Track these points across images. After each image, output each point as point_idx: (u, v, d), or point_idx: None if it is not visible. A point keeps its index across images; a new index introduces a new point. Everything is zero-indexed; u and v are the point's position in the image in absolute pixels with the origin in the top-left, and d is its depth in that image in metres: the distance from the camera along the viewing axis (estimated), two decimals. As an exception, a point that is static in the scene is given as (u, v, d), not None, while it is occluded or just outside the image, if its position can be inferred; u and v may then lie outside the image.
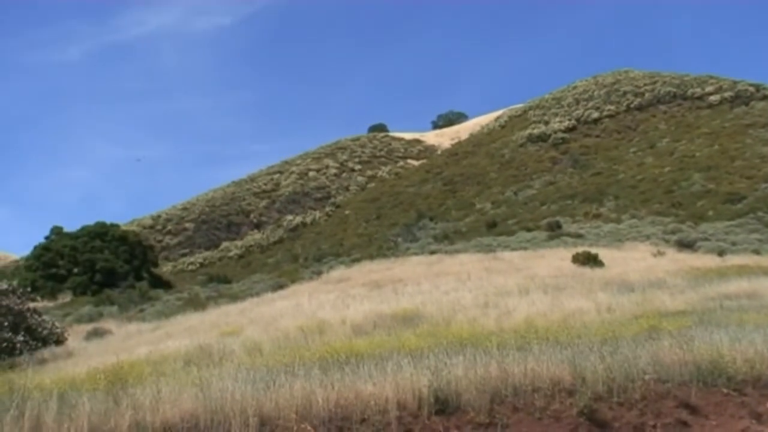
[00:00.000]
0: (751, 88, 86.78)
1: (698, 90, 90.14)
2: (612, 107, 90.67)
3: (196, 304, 37.48)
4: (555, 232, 49.60)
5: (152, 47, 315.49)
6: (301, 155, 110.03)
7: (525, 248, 44.20)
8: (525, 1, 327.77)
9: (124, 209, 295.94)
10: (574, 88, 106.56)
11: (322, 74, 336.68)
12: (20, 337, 22.54)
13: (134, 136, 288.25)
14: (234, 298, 38.28)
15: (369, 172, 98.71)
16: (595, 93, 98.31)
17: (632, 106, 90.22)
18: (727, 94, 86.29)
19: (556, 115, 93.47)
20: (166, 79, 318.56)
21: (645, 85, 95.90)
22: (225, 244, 78.91)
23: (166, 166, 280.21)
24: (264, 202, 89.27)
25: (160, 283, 58.97)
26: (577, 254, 33.51)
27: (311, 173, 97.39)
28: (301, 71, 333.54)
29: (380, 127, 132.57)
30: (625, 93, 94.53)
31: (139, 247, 62.04)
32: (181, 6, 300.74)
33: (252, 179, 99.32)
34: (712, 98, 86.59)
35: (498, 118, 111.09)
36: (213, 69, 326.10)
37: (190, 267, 73.07)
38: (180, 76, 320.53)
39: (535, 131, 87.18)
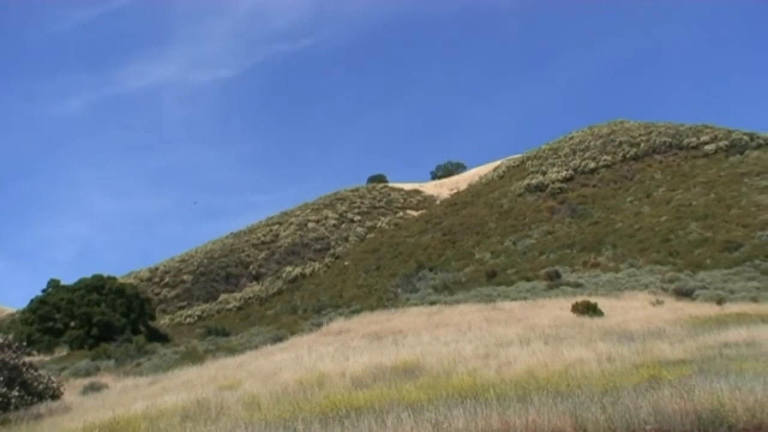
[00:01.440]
0: (746, 137, 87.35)
1: (693, 139, 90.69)
2: (608, 157, 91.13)
3: (194, 357, 37.33)
4: (554, 281, 49.60)
5: (153, 100, 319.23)
6: (301, 206, 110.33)
7: (525, 298, 44.14)
8: (522, 53, 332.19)
9: (122, 262, 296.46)
10: (571, 138, 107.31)
11: (321, 126, 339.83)
12: (15, 392, 22.28)
13: (134, 189, 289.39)
14: (232, 351, 38.13)
15: (368, 223, 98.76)
16: (592, 143, 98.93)
17: (628, 156, 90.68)
18: (722, 143, 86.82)
19: (554, 165, 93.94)
20: (166, 132, 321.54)
21: (640, 135, 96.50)
22: (223, 296, 78.56)
23: (166, 219, 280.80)
24: (263, 254, 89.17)
25: (158, 337, 58.66)
26: (577, 304, 33.46)
27: (310, 224, 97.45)
28: (301, 122, 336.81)
29: (379, 178, 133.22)
30: (620, 143, 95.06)
31: (137, 300, 61.73)
32: (182, 59, 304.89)
33: (251, 231, 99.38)
34: (708, 147, 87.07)
35: (496, 168, 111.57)
36: (214, 121, 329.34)
37: (188, 320, 72.66)
38: (181, 128, 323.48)
39: (533, 181, 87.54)
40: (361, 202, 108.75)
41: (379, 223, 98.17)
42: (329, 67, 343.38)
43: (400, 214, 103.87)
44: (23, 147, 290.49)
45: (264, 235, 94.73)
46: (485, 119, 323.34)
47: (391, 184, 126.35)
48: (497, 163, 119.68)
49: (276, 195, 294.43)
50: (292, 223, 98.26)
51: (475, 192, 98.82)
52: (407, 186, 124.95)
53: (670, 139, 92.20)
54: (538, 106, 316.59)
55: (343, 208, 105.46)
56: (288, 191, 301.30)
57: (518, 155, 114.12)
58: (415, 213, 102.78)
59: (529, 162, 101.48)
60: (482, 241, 73.20)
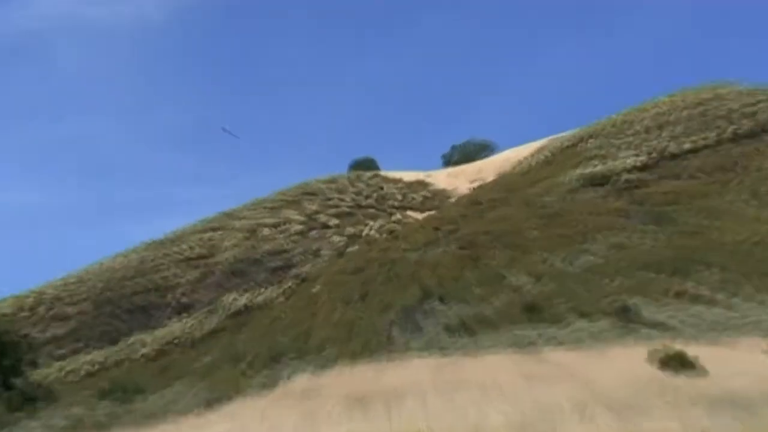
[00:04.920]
0: None
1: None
2: (706, 136, 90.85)
3: (90, 427, 37.17)
4: (626, 319, 49.38)
5: (41, 47, 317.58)
6: (251, 204, 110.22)
7: (581, 344, 44.07)
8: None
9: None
10: (650, 108, 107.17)
11: (283, 90, 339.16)
12: None
13: (6, 171, 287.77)
14: (146, 417, 38.18)
15: (350, 229, 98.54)
16: (681, 114, 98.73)
17: (739, 132, 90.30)
18: None
19: (624, 147, 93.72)
20: (57, 92, 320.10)
21: (748, 105, 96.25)
22: (133, 337, 78.17)
23: (51, 218, 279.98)
24: (193, 274, 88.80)
25: (36, 395, 58.40)
26: (660, 353, 33.38)
27: (265, 230, 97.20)
28: (254, 86, 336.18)
29: (367, 163, 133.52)
30: (722, 116, 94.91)
31: (7, 341, 61.57)
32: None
33: (176, 240, 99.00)
34: None
35: (539, 150, 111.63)
36: (127, 79, 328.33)
37: (82, 371, 72.36)
38: (79, 88, 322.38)
39: (594, 170, 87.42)
40: (340, 199, 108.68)
41: (366, 230, 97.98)
42: (296, 9, 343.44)
43: (397, 216, 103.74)
44: None
45: (195, 247, 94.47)
46: (523, 80, 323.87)
47: (384, 173, 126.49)
48: (540, 143, 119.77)
49: (214, 187, 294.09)
50: (236, 229, 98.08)
51: (508, 185, 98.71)
52: (408, 175, 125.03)
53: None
54: (605, 62, 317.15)
55: (314, 207, 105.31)
56: (232, 182, 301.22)
57: (571, 132, 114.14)
58: (419, 215, 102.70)
59: (588, 142, 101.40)
60: (518, 258, 72.90)
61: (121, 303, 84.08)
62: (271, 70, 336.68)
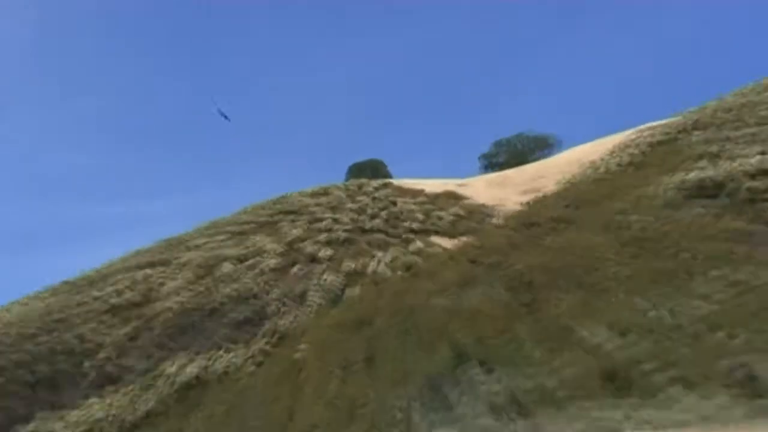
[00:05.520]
0: None
1: None
2: None
3: None
4: (753, 392, 48.44)
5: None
6: (206, 228, 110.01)
7: (688, 428, 43.34)
8: None
9: None
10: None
11: (255, 65, 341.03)
12: None
13: None
14: None
15: (349, 264, 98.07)
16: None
17: None
18: None
19: (743, 141, 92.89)
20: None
21: None
22: (36, 422, 77.61)
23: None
24: (124, 330, 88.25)
25: None
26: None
27: (226, 266, 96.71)
28: (220, 62, 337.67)
29: (373, 168, 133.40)
30: None
31: None
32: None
33: (97, 280, 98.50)
34: None
35: (620, 147, 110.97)
36: (41, 53, 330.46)
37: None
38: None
39: (703, 175, 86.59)
40: (334, 220, 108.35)
41: (372, 265, 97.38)
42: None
43: (418, 244, 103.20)
44: None
45: (124, 291, 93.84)
46: (595, 43, 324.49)
47: (397, 182, 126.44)
48: (621, 137, 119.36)
49: (156, 202, 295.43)
50: (185, 265, 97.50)
51: (575, 198, 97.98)
52: (431, 184, 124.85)
53: None
54: (717, 20, 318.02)
55: (297, 231, 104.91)
56: (180, 194, 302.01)
57: (665, 121, 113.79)
58: (448, 242, 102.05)
59: (692, 136, 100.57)
60: (594, 303, 72.07)
61: (19, 374, 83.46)
62: (246, 49, 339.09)
